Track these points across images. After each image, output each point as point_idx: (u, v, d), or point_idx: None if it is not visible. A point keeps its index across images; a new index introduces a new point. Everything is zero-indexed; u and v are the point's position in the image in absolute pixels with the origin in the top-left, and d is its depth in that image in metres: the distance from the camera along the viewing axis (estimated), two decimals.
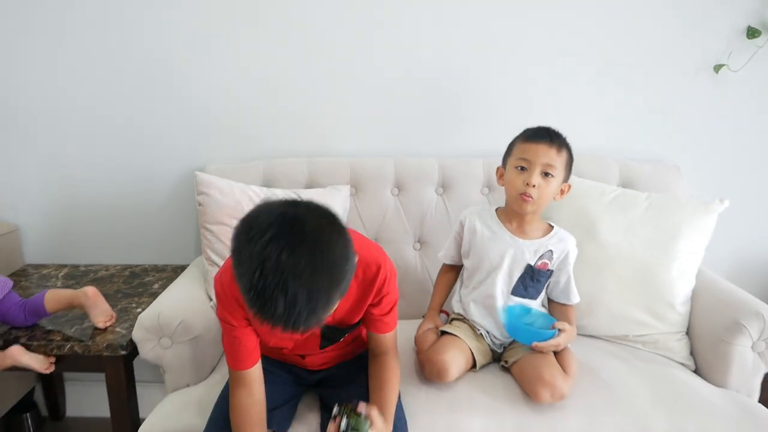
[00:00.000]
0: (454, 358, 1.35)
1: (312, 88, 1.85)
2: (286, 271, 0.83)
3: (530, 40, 1.81)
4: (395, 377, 1.23)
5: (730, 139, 1.88)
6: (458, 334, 1.43)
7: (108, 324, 1.55)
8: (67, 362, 1.52)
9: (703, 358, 1.49)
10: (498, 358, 1.47)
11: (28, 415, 2.06)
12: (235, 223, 1.56)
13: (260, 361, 1.20)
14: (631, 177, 1.78)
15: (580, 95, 1.85)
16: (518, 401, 1.34)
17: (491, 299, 1.44)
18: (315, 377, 1.35)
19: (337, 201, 1.73)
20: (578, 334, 1.59)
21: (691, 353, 1.53)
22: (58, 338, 1.50)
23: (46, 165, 1.94)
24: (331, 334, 1.26)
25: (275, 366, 1.33)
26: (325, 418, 1.25)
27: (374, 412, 1.08)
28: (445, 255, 1.57)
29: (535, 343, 1.34)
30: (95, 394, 2.09)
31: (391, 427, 1.16)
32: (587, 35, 1.80)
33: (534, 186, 1.35)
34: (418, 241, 1.80)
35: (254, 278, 0.84)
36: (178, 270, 1.91)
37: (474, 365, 1.42)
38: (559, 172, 1.36)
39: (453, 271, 1.58)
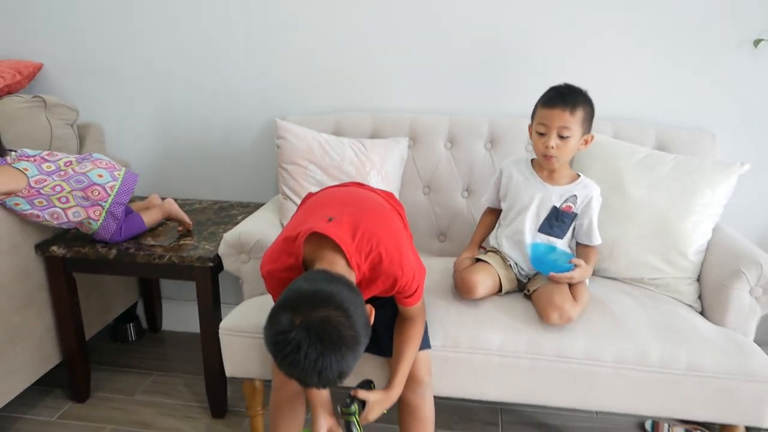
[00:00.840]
0: (483, 280, 1.60)
1: (379, 50, 2.10)
2: (319, 366, 1.06)
3: (581, 10, 1.97)
4: (416, 340, 1.42)
5: (765, 111, 1.97)
6: (490, 262, 1.66)
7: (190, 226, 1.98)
8: (166, 270, 1.86)
9: (708, 302, 1.66)
10: (522, 287, 1.69)
11: (131, 325, 2.46)
12: (306, 164, 1.86)
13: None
14: (666, 142, 1.92)
15: (624, 64, 1.99)
16: (534, 323, 1.56)
17: (520, 235, 1.66)
18: None
19: (395, 151, 1.98)
20: (599, 276, 1.79)
21: (699, 298, 1.69)
22: (160, 250, 1.85)
23: (155, 113, 2.30)
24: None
25: None
26: None
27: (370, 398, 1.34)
28: (487, 199, 1.80)
29: (551, 273, 1.55)
30: (187, 312, 2.47)
31: (401, 389, 1.40)
32: (632, 8, 1.94)
33: (553, 147, 1.54)
34: (466, 190, 2.02)
35: (292, 367, 1.07)
36: (259, 206, 2.23)
37: (500, 290, 1.66)
38: (575, 131, 1.54)
39: (493, 214, 1.80)
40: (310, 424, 1.38)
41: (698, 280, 1.72)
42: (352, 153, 1.92)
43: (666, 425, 1.93)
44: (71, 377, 2.02)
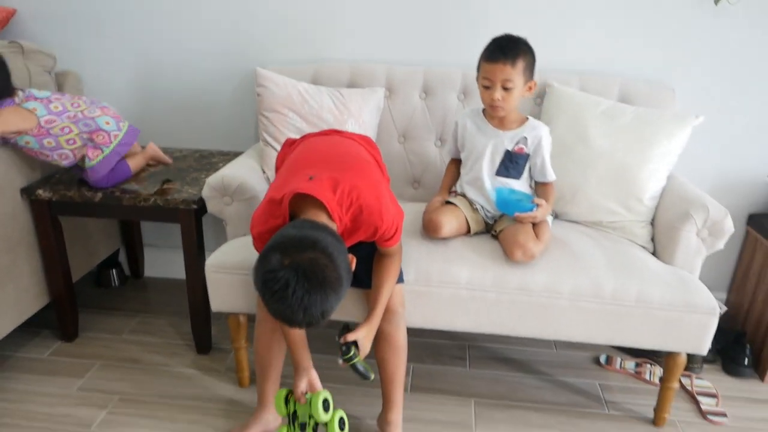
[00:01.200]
0: (448, 221, 1.72)
1: (355, 1, 2.15)
2: (305, 303, 1.16)
3: None
4: (393, 277, 1.53)
5: (723, 67, 2.09)
6: (457, 204, 1.78)
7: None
8: (151, 213, 1.94)
9: (659, 243, 1.80)
10: (490, 228, 1.81)
11: (114, 271, 2.53)
12: (286, 112, 1.92)
13: None
14: (628, 94, 2.03)
15: (589, 17, 2.08)
16: (499, 260, 1.69)
17: (480, 180, 1.79)
18: None
19: (372, 101, 2.05)
20: (562, 219, 1.92)
21: (652, 240, 1.83)
22: (145, 193, 1.91)
23: (134, 62, 2.33)
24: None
25: None
26: None
27: (359, 336, 1.46)
28: (448, 151, 1.92)
29: (517, 214, 1.67)
30: (168, 259, 2.55)
31: (379, 319, 1.51)
32: None
33: (499, 99, 1.64)
34: (439, 139, 2.12)
35: (280, 304, 1.17)
36: (239, 155, 2.29)
37: (468, 231, 1.78)
38: (518, 81, 1.63)
39: (456, 163, 1.91)
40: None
41: (652, 223, 1.86)
42: (330, 102, 2.00)
43: (619, 359, 2.10)
44: (59, 317, 2.10)
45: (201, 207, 1.90)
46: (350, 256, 1.28)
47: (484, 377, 2.00)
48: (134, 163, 2.03)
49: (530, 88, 1.70)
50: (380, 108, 2.10)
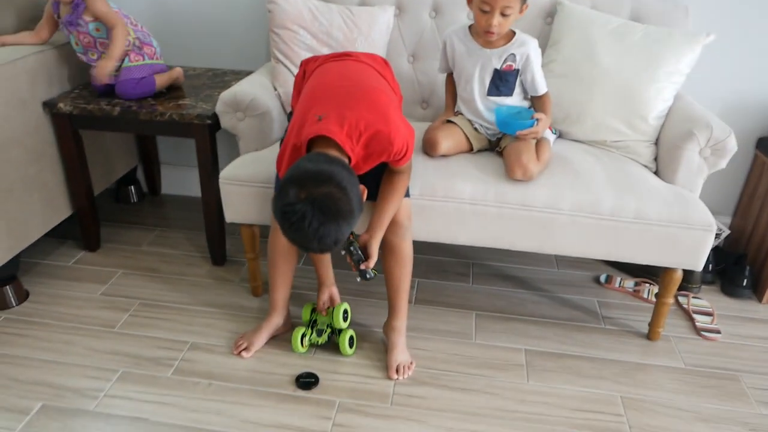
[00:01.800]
0: (445, 138, 1.78)
1: None
2: (320, 234, 1.26)
3: None
4: (400, 193, 1.58)
5: None
6: (458, 123, 1.83)
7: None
8: (167, 128, 2.00)
9: (662, 162, 1.83)
10: (495, 145, 1.85)
11: (132, 188, 2.63)
12: (297, 29, 1.94)
13: None
14: (640, 13, 1.99)
15: None
16: (502, 176, 1.73)
17: (473, 102, 1.82)
18: None
19: (382, 19, 2.05)
20: (565, 138, 1.95)
21: (655, 160, 1.86)
22: (161, 108, 1.97)
23: None
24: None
25: None
26: None
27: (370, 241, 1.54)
28: (441, 68, 1.91)
29: (518, 132, 1.70)
30: (184, 177, 2.63)
31: (383, 231, 1.57)
32: None
33: (496, 25, 1.64)
34: None
35: (297, 233, 1.27)
36: (251, 73, 2.32)
37: (471, 149, 1.82)
38: (516, 6, 1.62)
39: (453, 79, 1.92)
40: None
41: (656, 143, 1.88)
42: (340, 20, 2.01)
43: (618, 278, 2.17)
44: (83, 228, 2.20)
45: (215, 123, 1.95)
46: (361, 187, 1.36)
47: (486, 292, 2.09)
48: (160, 81, 2.08)
49: (522, 11, 1.69)
50: (390, 27, 2.10)
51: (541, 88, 1.78)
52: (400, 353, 1.73)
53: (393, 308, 1.74)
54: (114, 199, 2.62)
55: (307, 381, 1.65)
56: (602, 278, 2.18)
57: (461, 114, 1.88)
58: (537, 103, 1.82)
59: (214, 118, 1.94)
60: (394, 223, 1.61)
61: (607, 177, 1.74)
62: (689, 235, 1.66)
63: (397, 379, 1.69)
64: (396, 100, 1.62)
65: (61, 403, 1.57)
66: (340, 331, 1.76)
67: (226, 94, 1.87)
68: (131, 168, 2.57)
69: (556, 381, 1.71)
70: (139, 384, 1.64)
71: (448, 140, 1.78)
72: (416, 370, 1.72)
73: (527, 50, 1.74)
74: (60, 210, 2.12)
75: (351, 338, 1.77)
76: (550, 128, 1.86)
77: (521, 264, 2.25)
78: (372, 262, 1.54)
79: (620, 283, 2.15)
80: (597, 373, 1.75)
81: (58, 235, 2.29)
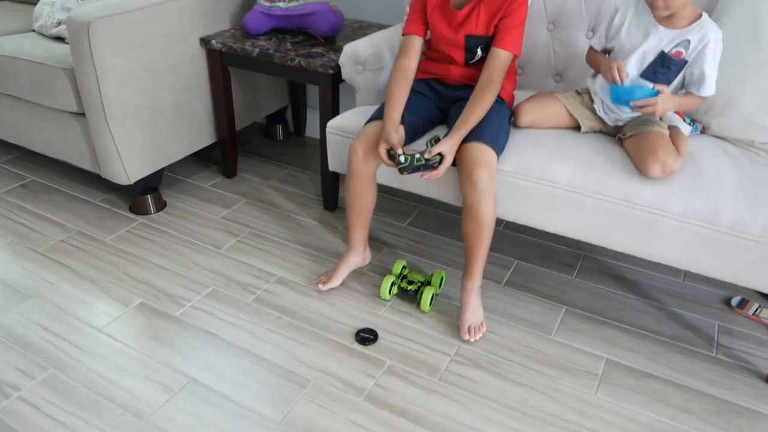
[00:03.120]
0: (532, 110, 1.69)
1: None
2: None
3: None
4: (483, 104, 1.57)
5: None
6: (560, 98, 1.68)
7: None
8: (295, 72, 2.09)
9: None
10: (617, 131, 1.65)
11: (279, 126, 2.82)
12: None
13: (420, 41, 1.72)
14: None
15: None
16: (607, 164, 1.55)
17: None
18: (453, 94, 1.73)
19: None
20: (706, 133, 1.67)
21: None
22: (293, 53, 2.07)
23: None
24: (471, 45, 1.65)
25: (423, 87, 1.74)
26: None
27: (443, 149, 1.52)
28: (598, 41, 1.69)
29: (632, 102, 1.47)
30: None
31: (458, 140, 1.54)
32: None
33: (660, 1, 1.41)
34: (591, 30, 1.91)
35: None
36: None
37: (577, 127, 1.66)
38: None
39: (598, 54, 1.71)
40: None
41: None
42: None
43: (755, 305, 1.85)
44: (222, 156, 2.43)
45: (337, 73, 2.00)
46: None
47: (587, 289, 1.91)
48: None
49: None
50: None
51: (708, 89, 1.50)
52: (471, 314, 1.69)
53: (466, 268, 1.69)
54: (263, 135, 2.84)
55: (365, 336, 1.68)
56: (735, 301, 1.87)
57: (583, 91, 1.70)
58: (691, 95, 1.55)
59: (337, 68, 1.99)
60: (469, 182, 1.54)
61: (738, 184, 1.46)
62: None
63: (468, 339, 1.66)
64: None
65: (155, 304, 1.79)
66: (425, 289, 1.77)
67: (348, 47, 1.91)
68: (281, 107, 2.75)
69: (630, 401, 1.53)
70: (221, 303, 1.80)
71: (536, 113, 1.66)
72: (478, 352, 1.66)
73: (706, 39, 1.47)
74: (204, 137, 2.36)
75: (433, 296, 1.77)
76: (684, 119, 1.61)
77: (640, 267, 2.01)
78: (437, 172, 1.53)
79: (756, 310, 1.83)
80: (684, 404, 1.53)
81: (204, 159, 2.57)
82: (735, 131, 1.61)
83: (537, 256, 2.05)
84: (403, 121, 1.65)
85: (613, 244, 1.57)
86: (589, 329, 1.75)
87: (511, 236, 2.14)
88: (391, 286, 1.80)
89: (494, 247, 2.07)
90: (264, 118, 2.78)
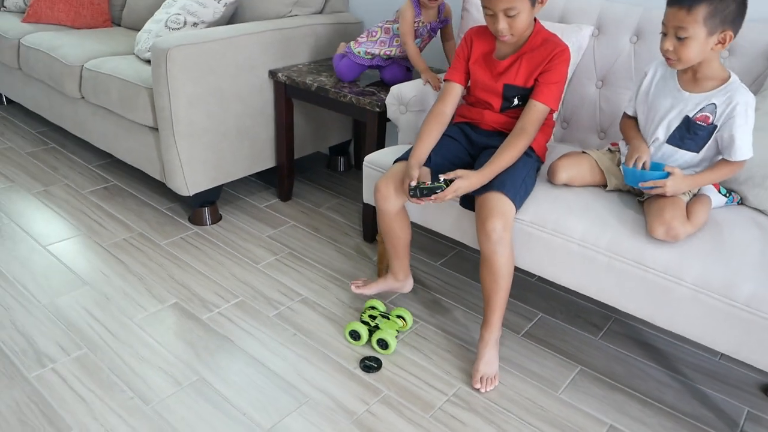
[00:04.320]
0: (567, 167, 1.66)
1: None
2: None
3: None
4: (513, 151, 1.61)
5: None
6: (592, 155, 1.66)
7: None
8: (347, 108, 2.22)
9: None
10: (639, 193, 1.62)
11: (341, 158, 2.96)
12: None
13: (461, 88, 1.79)
14: None
15: None
16: (623, 223, 1.53)
17: (645, 141, 1.59)
18: (484, 140, 1.77)
19: (574, 38, 1.93)
20: (743, 204, 1.60)
21: None
22: (346, 91, 2.20)
23: None
24: (508, 94, 1.70)
25: (455, 132, 1.81)
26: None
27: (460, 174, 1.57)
28: (629, 107, 1.69)
29: (641, 183, 1.48)
30: None
31: (481, 179, 1.58)
32: None
33: (670, 50, 1.40)
34: None
35: None
36: None
37: (605, 185, 1.64)
38: (694, 30, 1.35)
39: (632, 122, 1.70)
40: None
41: None
42: None
43: None
44: (279, 180, 2.60)
45: (383, 111, 2.11)
46: None
47: (609, 353, 1.85)
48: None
49: (722, 42, 1.40)
50: (582, 48, 1.96)
51: (739, 152, 1.45)
52: (485, 364, 1.69)
53: (484, 317, 1.70)
54: (326, 165, 2.99)
55: (369, 365, 1.72)
56: None
57: (611, 148, 1.69)
58: (718, 163, 1.52)
59: (384, 107, 2.09)
60: (483, 232, 1.57)
61: (761, 258, 1.39)
62: None
63: (479, 390, 1.66)
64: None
65: (187, 306, 1.94)
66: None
67: (395, 88, 2.02)
68: (344, 141, 2.90)
69: None
70: (245, 313, 1.92)
71: (570, 170, 1.65)
72: (476, 397, 1.65)
73: (734, 102, 1.44)
74: (264, 160, 2.53)
75: (380, 340, 1.77)
76: (719, 189, 1.56)
77: (674, 339, 1.92)
78: (443, 194, 1.56)
79: None
80: None
81: (266, 181, 2.74)
82: None
83: (563, 312, 2.02)
84: (429, 163, 1.71)
85: (624, 305, 1.53)
86: (600, 393, 1.70)
87: (542, 289, 2.12)
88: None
89: (521, 297, 2.06)
90: (328, 149, 2.94)
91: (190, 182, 2.26)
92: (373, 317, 1.83)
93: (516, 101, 1.72)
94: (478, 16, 2.05)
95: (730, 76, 1.47)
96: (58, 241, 2.25)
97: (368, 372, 1.71)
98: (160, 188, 2.66)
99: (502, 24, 1.58)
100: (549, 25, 1.94)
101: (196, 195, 2.32)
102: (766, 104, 1.59)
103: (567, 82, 1.96)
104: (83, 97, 2.57)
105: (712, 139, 1.50)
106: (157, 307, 1.93)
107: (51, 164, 2.86)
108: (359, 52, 2.26)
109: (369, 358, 1.74)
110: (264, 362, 1.72)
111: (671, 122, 1.53)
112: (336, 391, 1.64)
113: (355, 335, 1.80)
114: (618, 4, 1.94)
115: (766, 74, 1.68)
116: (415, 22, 2.12)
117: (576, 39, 1.94)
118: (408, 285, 1.97)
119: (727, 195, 1.60)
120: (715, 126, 1.47)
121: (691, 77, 1.50)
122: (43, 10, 3.03)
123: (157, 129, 2.26)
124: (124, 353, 1.73)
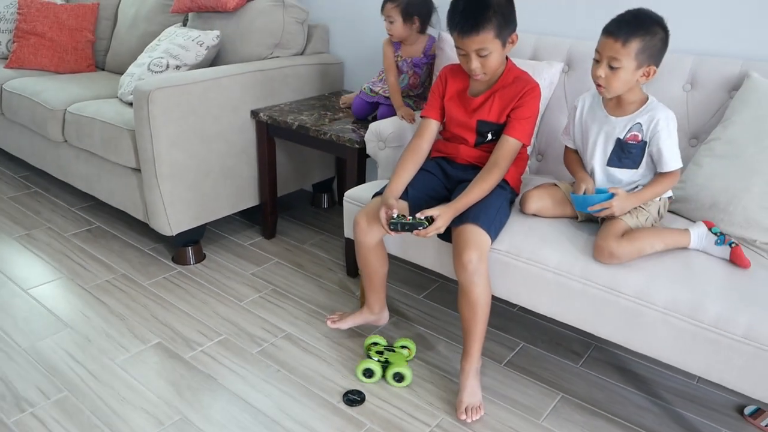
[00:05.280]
0: (539, 198, 1.72)
1: None
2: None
3: None
4: (485, 185, 1.66)
5: None
6: (561, 187, 1.73)
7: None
8: (327, 145, 2.27)
9: None
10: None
11: (325, 195, 3.01)
12: None
13: (437, 124, 1.84)
14: None
15: None
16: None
17: (593, 174, 1.68)
18: (459, 174, 1.82)
19: (546, 74, 2.02)
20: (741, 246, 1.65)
21: None
22: (326, 128, 2.25)
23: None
24: (482, 129, 1.76)
25: (432, 166, 1.85)
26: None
27: (434, 213, 1.61)
28: (567, 140, 1.79)
29: (590, 208, 1.56)
30: None
31: (453, 212, 1.63)
32: None
33: (601, 77, 1.50)
34: None
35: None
36: None
37: (577, 217, 1.70)
38: (626, 62, 1.47)
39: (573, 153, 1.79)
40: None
41: None
42: None
43: None
44: (263, 218, 2.63)
45: (363, 147, 2.16)
46: None
47: (589, 380, 1.87)
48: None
49: (647, 75, 1.52)
50: (554, 83, 2.04)
51: (669, 163, 1.56)
52: (468, 395, 1.70)
53: (464, 349, 1.72)
54: (309, 202, 3.03)
55: (353, 398, 1.73)
56: (748, 410, 1.76)
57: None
58: (656, 178, 1.61)
59: (363, 143, 2.15)
60: (459, 263, 1.61)
61: (726, 281, 1.44)
62: None
63: (465, 420, 1.66)
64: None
65: (170, 345, 1.94)
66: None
67: (373, 125, 2.08)
68: (327, 178, 2.94)
69: None
70: (228, 351, 1.92)
71: (542, 200, 1.70)
72: (459, 428, 1.66)
73: (656, 120, 1.55)
74: (248, 199, 2.57)
75: (396, 374, 1.79)
76: (710, 226, 1.59)
77: (652, 364, 1.95)
78: (425, 231, 1.59)
79: None
80: None
81: (250, 219, 2.77)
82: (737, 229, 1.58)
83: (545, 341, 2.04)
84: (406, 196, 1.76)
85: (599, 330, 1.56)
86: (581, 419, 1.71)
87: (524, 318, 2.14)
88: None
89: (503, 327, 2.08)
90: (311, 186, 2.98)
91: (173, 222, 2.28)
92: (380, 353, 1.84)
93: (490, 136, 1.78)
94: (451, 54, 2.12)
95: (648, 98, 1.58)
96: (39, 285, 2.25)
97: (352, 405, 1.72)
98: (144, 229, 2.67)
99: (475, 63, 1.65)
100: (521, 63, 2.01)
101: (179, 234, 2.34)
102: (726, 133, 1.66)
103: (540, 116, 2.03)
104: (66, 141, 2.60)
105: (646, 154, 1.59)
106: (139, 347, 1.93)
107: (34, 208, 2.87)
108: (366, 90, 2.34)
109: (352, 392, 1.75)
110: (247, 399, 1.72)
111: (606, 146, 1.63)
112: (320, 425, 1.64)
113: (368, 373, 1.80)
114: (586, 41, 2.03)
115: (726, 105, 1.76)
116: (395, 55, 2.21)
117: (548, 75, 2.02)
118: (384, 318, 1.99)
119: (719, 235, 1.57)
120: (645, 142, 1.57)
121: (615, 103, 1.61)
122: (27, 56, 3.08)
123: (139, 170, 2.29)
124: (106, 395, 1.73)
